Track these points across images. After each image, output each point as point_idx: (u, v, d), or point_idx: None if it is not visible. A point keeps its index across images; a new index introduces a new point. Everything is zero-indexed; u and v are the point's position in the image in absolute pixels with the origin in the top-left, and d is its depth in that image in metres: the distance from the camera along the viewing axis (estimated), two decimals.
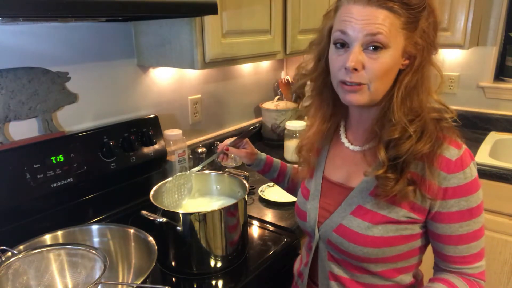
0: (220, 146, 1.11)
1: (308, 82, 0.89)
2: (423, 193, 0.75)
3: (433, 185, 0.74)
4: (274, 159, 1.16)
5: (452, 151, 0.75)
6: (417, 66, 0.74)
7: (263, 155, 1.15)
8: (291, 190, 1.18)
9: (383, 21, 0.69)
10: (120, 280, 0.98)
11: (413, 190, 0.75)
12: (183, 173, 1.12)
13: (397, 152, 0.74)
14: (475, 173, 0.76)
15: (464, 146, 0.77)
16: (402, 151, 0.74)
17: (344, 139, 0.89)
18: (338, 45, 0.74)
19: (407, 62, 0.75)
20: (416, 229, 0.79)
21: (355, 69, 0.72)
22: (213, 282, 1.01)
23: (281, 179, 1.16)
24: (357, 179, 0.83)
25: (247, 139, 1.13)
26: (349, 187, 0.84)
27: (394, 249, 0.79)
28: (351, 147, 0.87)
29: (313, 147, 0.93)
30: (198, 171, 1.13)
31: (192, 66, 1.28)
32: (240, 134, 1.13)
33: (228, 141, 1.12)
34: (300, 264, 1.00)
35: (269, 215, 1.32)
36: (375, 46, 0.70)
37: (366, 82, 0.73)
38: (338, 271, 0.86)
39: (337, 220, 0.83)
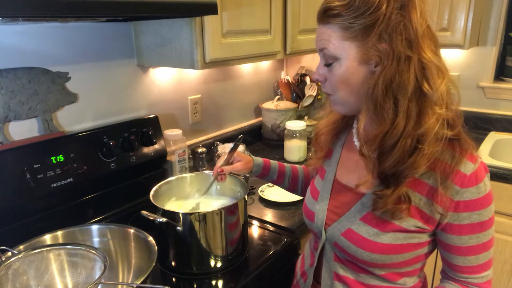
0: (214, 170, 1.08)
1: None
2: (434, 205, 0.75)
3: (445, 198, 0.74)
4: (271, 161, 1.15)
5: (468, 165, 0.73)
6: (379, 73, 0.71)
7: (259, 160, 1.13)
8: (292, 190, 1.18)
9: (326, 36, 0.75)
10: (120, 280, 0.98)
11: (406, 208, 0.75)
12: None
13: (380, 167, 0.75)
14: (488, 187, 0.76)
15: (480, 159, 0.76)
16: (383, 167, 0.74)
17: (357, 143, 0.88)
18: None
19: (378, 68, 0.73)
20: (424, 238, 0.79)
21: (320, 81, 0.81)
22: (213, 282, 1.01)
23: (281, 180, 1.15)
24: (369, 184, 0.83)
25: (236, 151, 1.11)
26: (360, 192, 0.84)
27: (400, 256, 0.79)
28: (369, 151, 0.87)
29: (331, 134, 0.94)
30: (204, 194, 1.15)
31: (192, 66, 1.28)
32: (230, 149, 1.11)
33: (219, 162, 1.08)
34: (302, 264, 1.00)
35: (269, 215, 1.32)
36: (326, 59, 0.77)
37: (331, 92, 0.80)
38: (343, 272, 0.86)
39: (346, 224, 0.83)
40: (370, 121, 0.79)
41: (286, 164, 1.17)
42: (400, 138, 0.72)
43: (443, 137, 0.73)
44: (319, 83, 0.83)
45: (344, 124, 0.93)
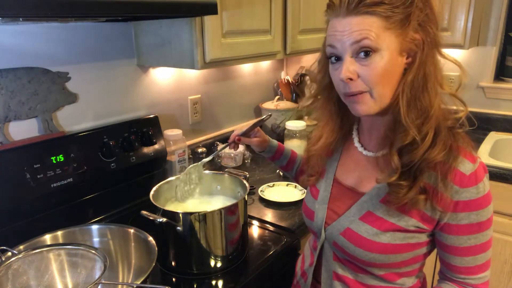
0: (232, 135, 1.11)
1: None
2: (434, 204, 0.74)
3: (444, 198, 0.73)
4: (285, 147, 1.17)
5: (467, 165, 0.73)
6: (419, 62, 0.72)
7: (275, 142, 1.15)
8: (297, 180, 1.19)
9: (365, 26, 0.70)
10: (120, 280, 0.98)
11: (424, 199, 0.74)
12: (195, 164, 1.14)
13: (410, 158, 0.73)
14: (487, 188, 0.76)
15: (479, 160, 0.76)
16: (415, 157, 0.73)
17: (357, 143, 0.88)
18: (333, 59, 0.76)
19: (409, 60, 0.73)
20: (423, 238, 0.79)
21: (351, 79, 0.72)
22: (213, 282, 1.01)
23: (290, 167, 1.17)
24: (369, 184, 0.83)
25: (258, 127, 1.13)
26: (360, 192, 0.84)
27: (399, 256, 0.79)
28: (364, 152, 0.86)
29: (322, 157, 0.93)
30: (209, 160, 1.15)
31: (192, 66, 1.28)
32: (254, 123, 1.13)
33: (239, 131, 1.11)
34: (303, 263, 1.00)
35: (269, 215, 1.32)
36: (365, 51, 0.71)
37: (366, 89, 0.73)
38: (342, 271, 0.86)
39: (345, 223, 0.83)
40: (368, 124, 0.80)
41: (298, 154, 1.18)
42: (430, 123, 0.73)
43: (451, 126, 0.75)
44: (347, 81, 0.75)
45: (338, 142, 0.92)
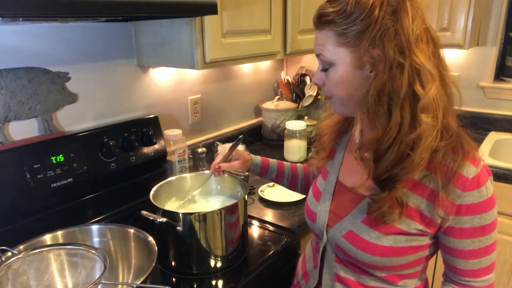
0: (212, 166, 1.10)
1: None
2: (436, 208, 0.74)
3: (446, 202, 0.73)
4: (270, 160, 1.16)
5: (470, 169, 0.73)
6: (373, 78, 0.71)
7: (258, 159, 1.14)
8: (292, 188, 1.19)
9: (321, 42, 0.76)
10: (120, 280, 0.98)
11: (399, 213, 0.75)
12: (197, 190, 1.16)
13: (375, 171, 0.75)
14: (491, 191, 0.75)
15: (482, 163, 0.75)
16: (378, 170, 0.75)
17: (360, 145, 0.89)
18: None
19: (372, 74, 0.72)
20: (426, 240, 0.79)
21: (319, 85, 0.82)
22: (213, 282, 1.01)
23: (280, 179, 1.16)
24: (369, 187, 0.82)
25: (236, 149, 1.12)
26: (362, 194, 0.83)
27: (401, 259, 0.79)
28: (366, 154, 0.86)
29: (334, 134, 0.94)
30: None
31: (192, 66, 1.28)
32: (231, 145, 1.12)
33: (217, 159, 1.11)
34: (304, 264, 1.00)
35: (269, 215, 1.32)
36: (322, 64, 0.78)
37: (330, 95, 0.81)
38: (344, 273, 0.86)
39: (347, 226, 0.83)
40: (367, 125, 0.80)
41: (285, 163, 1.17)
42: (392, 144, 0.72)
43: (435, 147, 0.72)
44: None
45: (347, 125, 0.93)
